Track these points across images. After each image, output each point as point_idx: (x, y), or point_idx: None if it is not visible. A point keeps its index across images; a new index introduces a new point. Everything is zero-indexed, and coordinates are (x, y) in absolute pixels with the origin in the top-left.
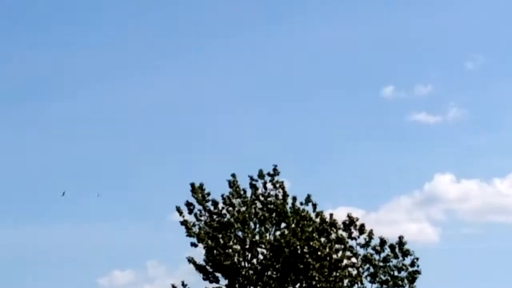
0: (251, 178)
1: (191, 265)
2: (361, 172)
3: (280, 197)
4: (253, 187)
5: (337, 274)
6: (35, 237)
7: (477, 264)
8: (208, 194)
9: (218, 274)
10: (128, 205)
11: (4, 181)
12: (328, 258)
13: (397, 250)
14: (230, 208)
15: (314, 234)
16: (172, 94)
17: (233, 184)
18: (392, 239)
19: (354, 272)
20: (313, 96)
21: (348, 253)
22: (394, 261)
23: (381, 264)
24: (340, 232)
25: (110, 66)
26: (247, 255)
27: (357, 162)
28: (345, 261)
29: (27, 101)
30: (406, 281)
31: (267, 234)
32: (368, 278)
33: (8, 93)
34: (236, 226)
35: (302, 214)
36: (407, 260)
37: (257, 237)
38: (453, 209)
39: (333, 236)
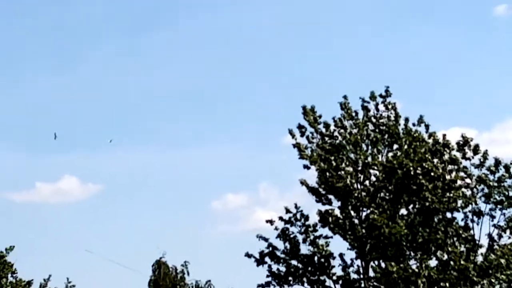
0: (363, 100)
1: (303, 188)
2: (473, 91)
3: (392, 118)
4: (365, 109)
5: (451, 194)
6: (153, 162)
7: None
8: (320, 116)
9: (330, 196)
10: (241, 129)
11: (122, 107)
12: (441, 179)
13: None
14: (342, 131)
15: (427, 155)
16: (281, 18)
17: (344, 106)
18: (506, 159)
19: (468, 193)
20: (425, 17)
21: (462, 174)
22: (509, 181)
23: (495, 184)
24: (453, 152)
25: None
26: (360, 177)
27: (470, 81)
28: (458, 182)
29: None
30: None
31: (380, 156)
32: (483, 199)
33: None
34: (348, 148)
35: (415, 135)
36: None
37: (369, 159)
38: None
39: (446, 157)
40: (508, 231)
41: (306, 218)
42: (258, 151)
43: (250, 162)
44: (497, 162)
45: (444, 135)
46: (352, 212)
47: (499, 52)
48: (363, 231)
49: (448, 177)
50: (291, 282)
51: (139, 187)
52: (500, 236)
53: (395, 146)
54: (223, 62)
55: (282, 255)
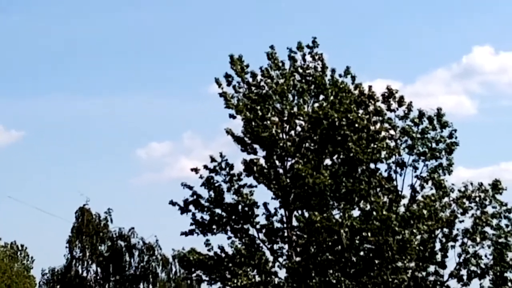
0: (290, 50)
1: (227, 137)
2: (399, 44)
3: (319, 69)
4: (292, 59)
5: (375, 145)
6: (77, 109)
7: None
8: (247, 66)
9: (256, 146)
10: (166, 77)
11: (46, 55)
12: (365, 130)
13: (435, 122)
14: (269, 80)
15: (352, 106)
16: None
17: (271, 56)
18: (430, 111)
19: (392, 144)
20: None
21: (386, 125)
22: (432, 133)
23: (419, 136)
24: (378, 104)
25: None
26: (285, 127)
27: (395, 34)
28: (383, 133)
29: None
30: (443, 152)
31: (305, 106)
32: (406, 150)
33: None
34: (274, 98)
35: (341, 86)
36: (445, 132)
37: (295, 109)
38: (491, 82)
39: (371, 108)
40: (430, 182)
41: (231, 167)
42: (183, 100)
43: (175, 111)
44: (421, 114)
45: (369, 87)
46: (277, 162)
47: (424, 6)
48: (288, 180)
49: (372, 128)
50: (215, 230)
51: (64, 135)
52: (422, 187)
53: (321, 97)
54: (147, 9)
55: (206, 204)
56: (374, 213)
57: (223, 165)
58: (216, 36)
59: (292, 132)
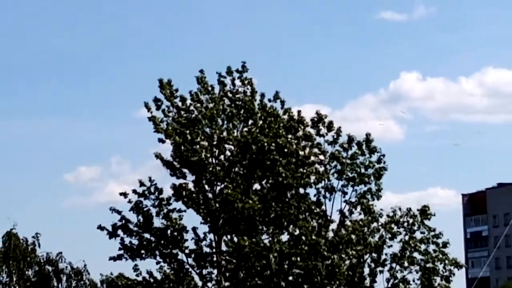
0: (219, 75)
1: (156, 162)
2: (327, 69)
3: (248, 93)
4: (221, 83)
5: (304, 170)
6: (3, 132)
7: (441, 161)
8: (176, 90)
9: (185, 170)
10: (95, 101)
11: None
12: (295, 155)
13: (364, 147)
14: (198, 105)
15: (281, 131)
16: None
17: (201, 80)
18: (358, 136)
19: (321, 169)
20: None
21: (315, 150)
22: (361, 158)
23: (348, 161)
24: (308, 129)
25: None
26: (215, 151)
27: (324, 59)
28: (312, 158)
29: None
30: (372, 177)
31: (235, 131)
32: (335, 175)
33: None
34: (204, 122)
35: (270, 110)
36: (374, 157)
37: (224, 134)
38: (418, 107)
39: (300, 133)
40: (359, 207)
41: (160, 191)
42: (112, 124)
43: (103, 135)
44: (350, 140)
45: (299, 111)
46: (206, 187)
47: (352, 32)
48: (217, 205)
49: (301, 153)
50: (143, 255)
51: None
52: (351, 212)
53: (250, 121)
54: (74, 33)
55: (135, 228)
56: (303, 237)
57: (152, 189)
58: (146, 60)
59: (222, 157)
